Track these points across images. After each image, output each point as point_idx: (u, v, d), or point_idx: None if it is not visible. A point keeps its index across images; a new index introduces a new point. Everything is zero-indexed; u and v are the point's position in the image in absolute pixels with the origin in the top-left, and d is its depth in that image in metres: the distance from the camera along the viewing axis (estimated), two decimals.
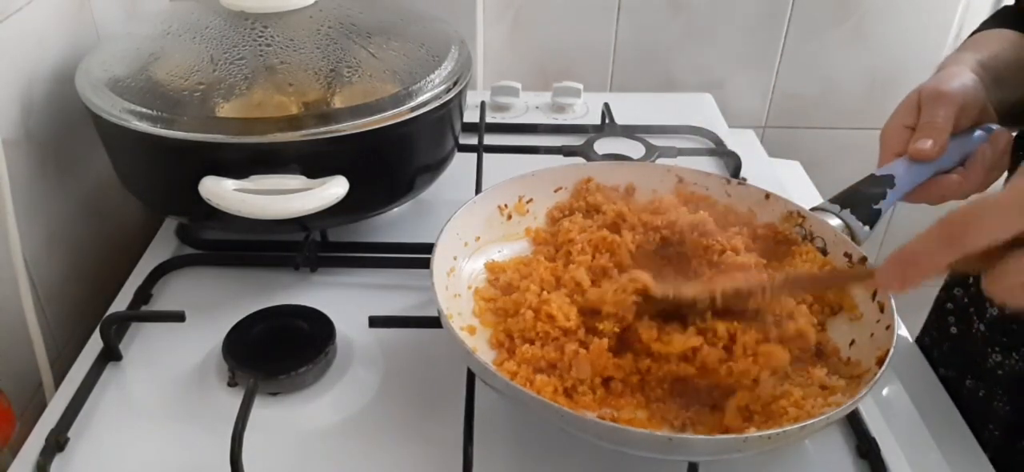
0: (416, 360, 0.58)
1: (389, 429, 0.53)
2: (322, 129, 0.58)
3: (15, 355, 0.60)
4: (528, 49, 1.12)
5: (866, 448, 0.51)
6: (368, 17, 0.70)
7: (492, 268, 0.61)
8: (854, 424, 0.53)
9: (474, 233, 0.61)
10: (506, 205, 0.64)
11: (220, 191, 0.55)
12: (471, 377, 0.53)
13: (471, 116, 0.82)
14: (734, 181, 0.64)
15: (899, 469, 0.51)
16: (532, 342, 0.52)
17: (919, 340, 0.72)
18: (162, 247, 0.69)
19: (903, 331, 0.68)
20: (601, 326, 0.52)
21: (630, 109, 0.91)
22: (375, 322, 0.57)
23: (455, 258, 0.59)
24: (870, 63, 1.14)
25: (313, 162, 0.58)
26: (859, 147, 1.18)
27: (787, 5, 1.08)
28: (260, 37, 0.64)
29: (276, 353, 0.55)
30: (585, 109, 0.94)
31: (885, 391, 0.59)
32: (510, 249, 0.63)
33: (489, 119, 0.89)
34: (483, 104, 0.90)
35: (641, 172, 0.67)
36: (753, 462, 0.52)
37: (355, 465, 0.50)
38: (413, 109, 0.62)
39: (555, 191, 0.66)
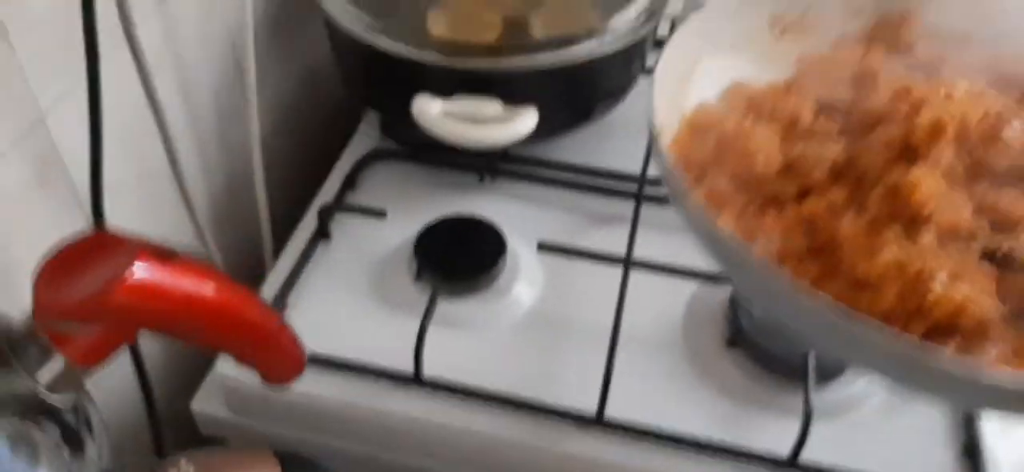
0: (577, 284, 0.63)
1: (547, 340, 0.59)
2: (521, 58, 0.63)
3: (244, 225, 0.71)
4: None
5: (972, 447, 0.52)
6: None
7: (734, 90, 0.46)
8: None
9: (728, 38, 0.46)
10: (783, 15, 0.48)
11: (429, 113, 0.61)
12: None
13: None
14: None
15: None
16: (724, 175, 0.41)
17: None
18: (367, 136, 0.77)
19: None
20: (785, 188, 0.39)
21: None
22: (543, 247, 0.63)
23: (696, 60, 0.46)
24: None
25: (509, 88, 0.63)
26: None
27: None
28: None
29: (457, 258, 0.62)
30: None
31: None
32: (769, 77, 0.46)
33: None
34: (673, 23, 0.90)
35: (988, 16, 0.46)
36: (852, 431, 0.54)
37: (521, 367, 0.57)
38: (608, 43, 0.65)
39: (856, 15, 0.49)
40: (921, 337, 0.33)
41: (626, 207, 0.65)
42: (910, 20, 0.49)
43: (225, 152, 0.71)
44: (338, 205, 0.68)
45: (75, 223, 0.54)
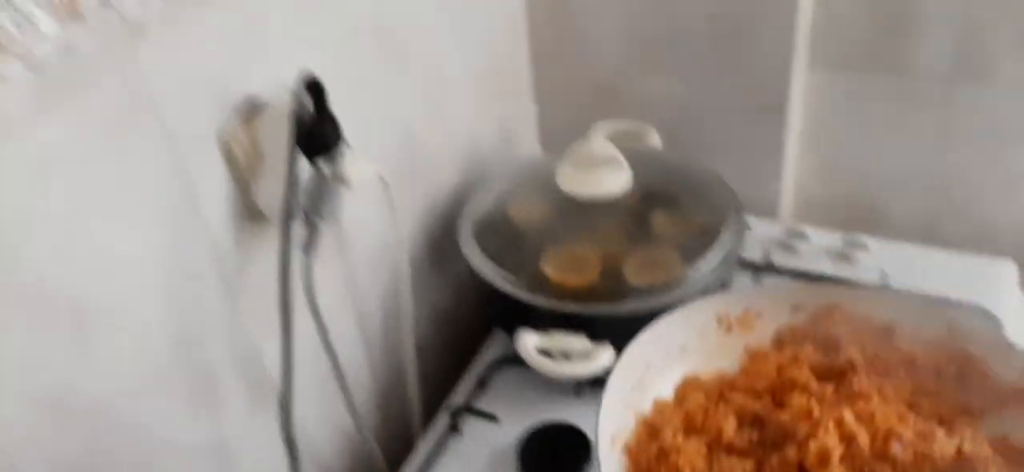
0: None
1: None
2: (608, 306, 0.78)
3: (399, 408, 0.91)
4: (839, 182, 1.09)
5: None
6: (666, 192, 0.89)
7: (685, 384, 0.54)
8: None
9: (680, 343, 0.54)
10: (728, 314, 0.57)
11: (527, 347, 0.78)
12: None
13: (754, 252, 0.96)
14: None
15: None
16: None
17: None
18: (498, 341, 0.96)
19: None
20: None
21: (918, 268, 0.92)
22: None
23: (648, 367, 0.55)
24: None
25: (597, 327, 0.79)
26: None
27: None
28: (581, 214, 0.86)
29: (549, 461, 0.77)
30: (870, 263, 0.95)
31: None
32: (720, 367, 0.54)
33: (774, 258, 0.99)
34: (766, 249, 1.01)
35: (904, 310, 0.56)
36: None
37: None
38: (688, 288, 0.79)
39: (792, 310, 0.58)
40: None
41: None
42: (838, 314, 0.56)
43: (386, 353, 0.92)
44: (466, 407, 0.87)
45: (272, 431, 0.74)
